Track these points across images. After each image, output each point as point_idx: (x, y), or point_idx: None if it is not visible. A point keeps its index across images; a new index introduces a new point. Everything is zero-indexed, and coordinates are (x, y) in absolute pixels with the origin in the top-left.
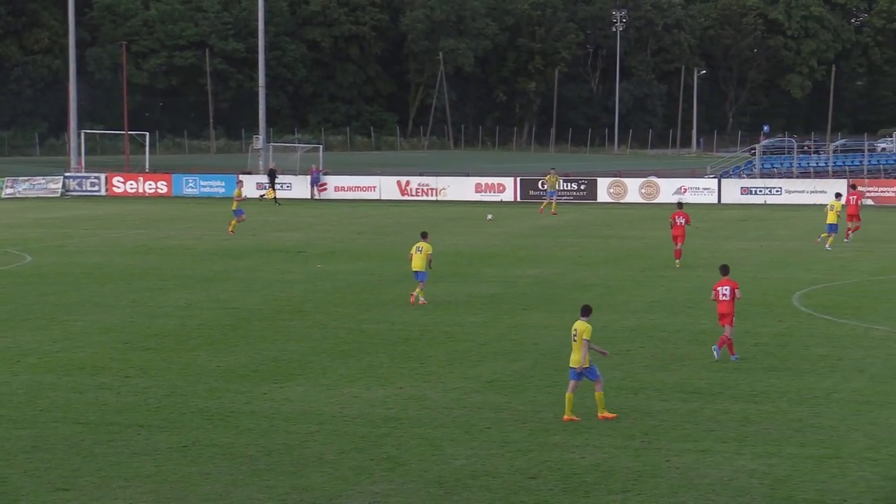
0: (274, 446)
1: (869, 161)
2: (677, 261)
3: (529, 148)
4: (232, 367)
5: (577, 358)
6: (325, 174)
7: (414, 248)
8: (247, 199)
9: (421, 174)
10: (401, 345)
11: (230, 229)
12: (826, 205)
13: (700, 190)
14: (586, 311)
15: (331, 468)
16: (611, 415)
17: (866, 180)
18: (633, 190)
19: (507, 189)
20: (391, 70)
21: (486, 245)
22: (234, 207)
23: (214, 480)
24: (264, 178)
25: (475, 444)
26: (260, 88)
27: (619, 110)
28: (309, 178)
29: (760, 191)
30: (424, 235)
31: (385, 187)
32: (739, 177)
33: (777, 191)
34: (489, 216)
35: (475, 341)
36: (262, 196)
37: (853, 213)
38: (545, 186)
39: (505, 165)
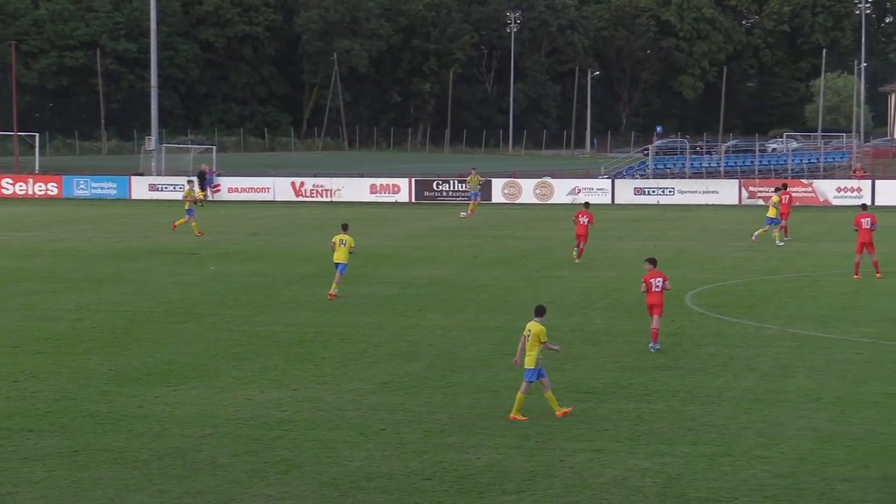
0: (166, 450)
1: (760, 162)
2: (577, 259)
3: (424, 149)
4: (124, 370)
5: (529, 358)
6: (219, 175)
7: (337, 240)
8: (198, 201)
9: (315, 175)
10: (295, 347)
11: (197, 232)
12: (770, 200)
13: (594, 190)
14: (540, 312)
15: (224, 471)
16: (522, 417)
17: (757, 180)
18: (527, 191)
19: (402, 190)
20: (285, 71)
21: (381, 246)
22: (185, 207)
23: (106, 485)
24: (159, 180)
25: (370, 446)
26: (152, 89)
27: (514, 111)
28: (202, 179)
29: (653, 191)
30: (345, 227)
31: (279, 188)
32: (633, 177)
33: (670, 191)
34: (462, 214)
35: (370, 343)
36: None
37: (785, 213)
38: (466, 187)
39: (400, 166)
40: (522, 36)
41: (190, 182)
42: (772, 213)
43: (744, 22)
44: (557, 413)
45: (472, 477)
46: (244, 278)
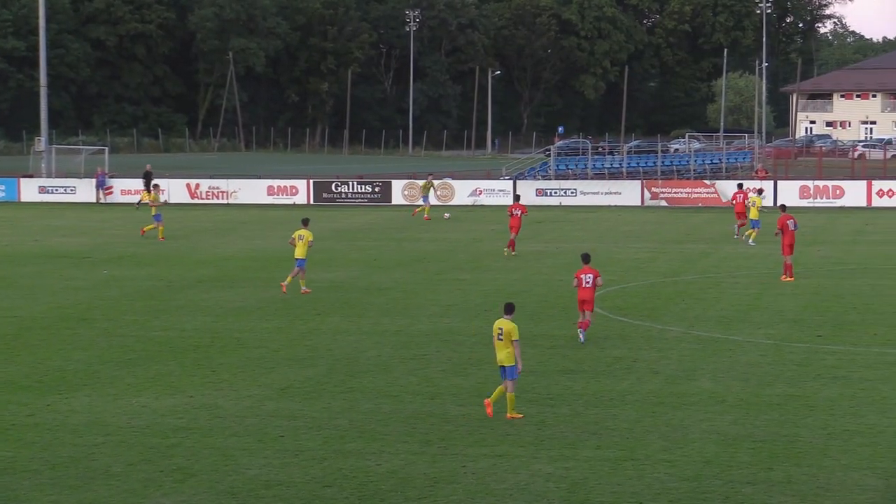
0: (58, 459)
1: (663, 162)
2: (509, 250)
3: (323, 150)
4: (13, 377)
5: (503, 356)
6: (111, 177)
7: (296, 235)
8: (165, 204)
9: (211, 177)
10: (191, 352)
11: (160, 236)
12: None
13: (495, 192)
14: (510, 310)
15: (118, 481)
16: (519, 415)
17: (660, 181)
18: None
19: (300, 191)
20: (179, 70)
21: (279, 249)
22: (153, 213)
23: None
24: (49, 182)
25: (268, 453)
26: (41, 88)
27: (414, 111)
28: (94, 181)
29: (555, 192)
30: (305, 223)
31: (174, 191)
32: (535, 178)
33: (572, 192)
34: (446, 215)
35: (268, 348)
36: (139, 202)
37: (740, 212)
38: (421, 192)
39: (298, 167)
40: (422, 35)
41: (155, 187)
42: (754, 214)
43: (645, 21)
44: (489, 408)
45: (373, 484)
46: (139, 282)
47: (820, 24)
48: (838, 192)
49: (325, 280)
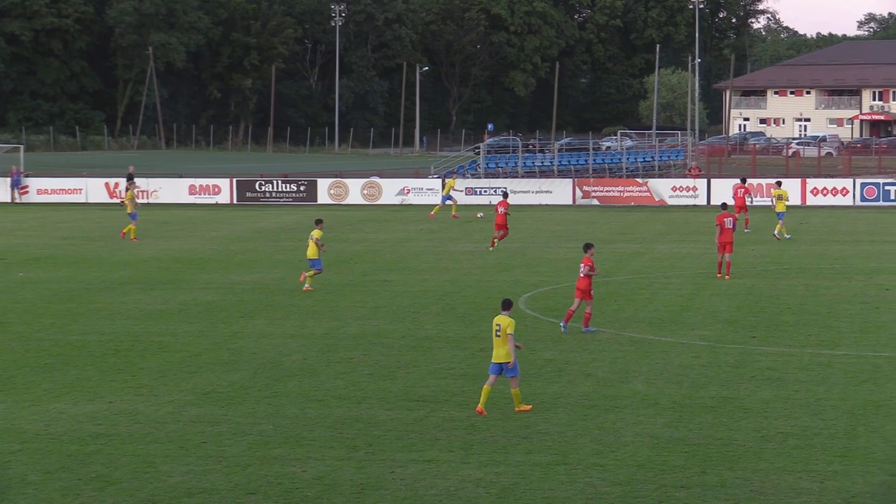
0: None
1: (594, 160)
2: (491, 248)
3: (246, 147)
4: None
5: (501, 353)
6: (27, 176)
7: (309, 236)
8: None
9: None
10: (110, 356)
11: (132, 236)
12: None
13: (424, 190)
14: (507, 305)
15: (35, 489)
16: (527, 406)
17: (591, 180)
18: (354, 191)
19: (223, 191)
20: (98, 66)
21: (201, 249)
22: (129, 211)
23: None
24: None
25: (190, 460)
26: None
27: (340, 108)
28: (9, 180)
29: (485, 191)
30: (318, 222)
31: (92, 190)
32: (464, 177)
33: (502, 191)
34: (479, 214)
35: (190, 351)
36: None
37: (741, 206)
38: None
39: (220, 166)
40: (348, 30)
41: (130, 185)
42: (780, 207)
43: (576, 16)
44: (517, 408)
45: (299, 491)
46: (55, 285)
47: (753, 20)
48: (772, 190)
49: (248, 282)
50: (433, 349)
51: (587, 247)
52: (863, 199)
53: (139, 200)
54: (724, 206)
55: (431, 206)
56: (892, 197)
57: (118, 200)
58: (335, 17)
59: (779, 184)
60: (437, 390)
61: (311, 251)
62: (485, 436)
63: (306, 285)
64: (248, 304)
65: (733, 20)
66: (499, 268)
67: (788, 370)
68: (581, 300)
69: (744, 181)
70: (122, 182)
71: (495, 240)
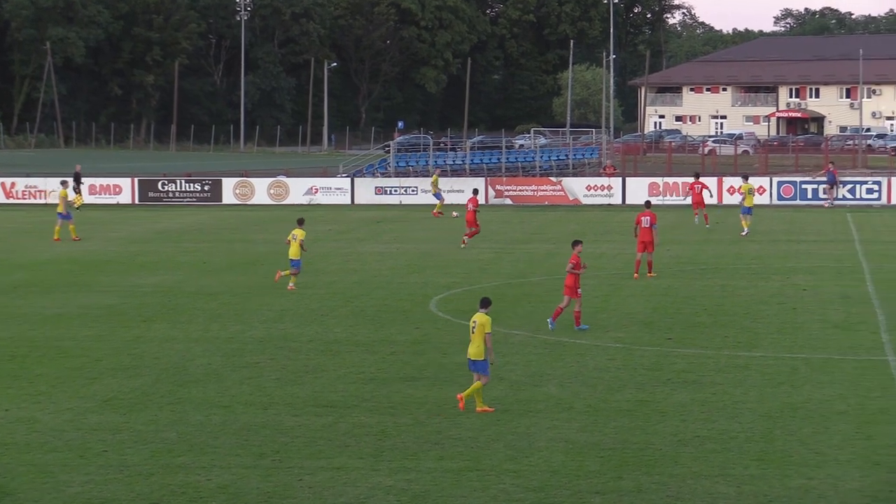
0: None
1: (507, 159)
2: (462, 245)
3: (148, 146)
4: None
5: (476, 350)
6: None
7: (290, 235)
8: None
9: (28, 175)
10: (6, 363)
11: (74, 236)
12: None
13: (332, 190)
14: (485, 304)
15: None
16: (489, 409)
17: (504, 178)
18: (260, 191)
19: (124, 190)
20: None
21: (101, 251)
22: (58, 210)
23: None
24: None
25: (91, 469)
26: None
27: (245, 105)
28: None
29: (395, 190)
30: (300, 222)
31: None
32: (374, 176)
33: (413, 190)
34: (454, 213)
35: (90, 357)
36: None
37: (699, 202)
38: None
39: (122, 165)
40: (254, 24)
41: (63, 183)
42: (749, 202)
43: (488, 11)
44: (461, 402)
45: (203, 500)
46: None
47: (669, 15)
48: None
49: (150, 284)
50: (342, 353)
51: (575, 243)
52: (780, 197)
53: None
54: (647, 204)
55: (340, 206)
56: (810, 196)
57: (79, 205)
58: (240, 11)
59: (745, 178)
60: (346, 395)
61: (294, 251)
62: (395, 442)
63: (290, 284)
64: (150, 308)
65: (648, 15)
66: (409, 269)
67: (705, 372)
68: (570, 298)
69: (697, 176)
70: (18, 182)
71: (465, 237)
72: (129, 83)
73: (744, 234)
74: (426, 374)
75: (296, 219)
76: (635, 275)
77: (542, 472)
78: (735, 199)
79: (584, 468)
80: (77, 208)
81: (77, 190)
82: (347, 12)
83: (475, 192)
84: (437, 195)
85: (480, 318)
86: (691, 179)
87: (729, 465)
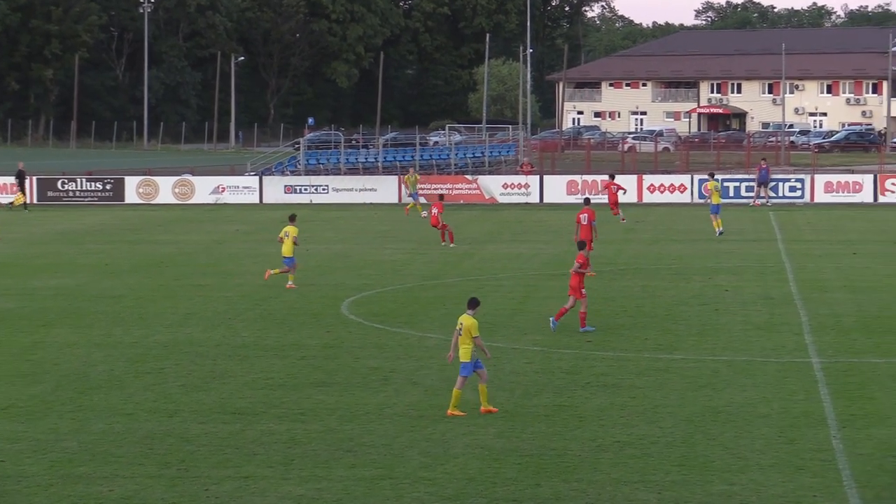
0: None
1: (421, 156)
2: (446, 243)
3: (47, 143)
4: None
5: (466, 352)
6: None
7: (283, 232)
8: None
9: None
10: None
11: None
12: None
13: (240, 189)
14: (473, 304)
15: None
16: (460, 413)
17: (418, 177)
18: (165, 189)
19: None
20: None
21: None
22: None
23: None
24: None
25: None
26: None
27: (149, 101)
28: None
29: (306, 189)
30: (292, 219)
31: None
32: (283, 174)
33: (324, 189)
34: (424, 214)
35: None
36: (10, 203)
37: (615, 202)
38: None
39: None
40: (157, 17)
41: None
42: (716, 199)
43: (402, 4)
44: (482, 409)
45: None
46: None
47: (587, 8)
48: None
49: (50, 287)
50: (250, 358)
51: (581, 245)
52: (701, 196)
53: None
54: (586, 201)
55: (248, 205)
56: (731, 193)
57: (20, 203)
58: (143, 3)
59: (711, 175)
60: (254, 402)
61: (287, 248)
62: (306, 450)
63: (289, 283)
64: (49, 312)
65: (566, 8)
66: (320, 270)
67: (625, 376)
68: (575, 299)
69: (612, 177)
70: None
71: (445, 235)
72: (26, 78)
73: (718, 233)
74: (337, 379)
75: (289, 215)
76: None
77: (457, 480)
78: (657, 198)
79: (500, 475)
80: (22, 207)
81: (21, 188)
82: (255, 4)
83: (441, 197)
84: (414, 195)
85: (466, 320)
86: (605, 177)
87: (649, 470)
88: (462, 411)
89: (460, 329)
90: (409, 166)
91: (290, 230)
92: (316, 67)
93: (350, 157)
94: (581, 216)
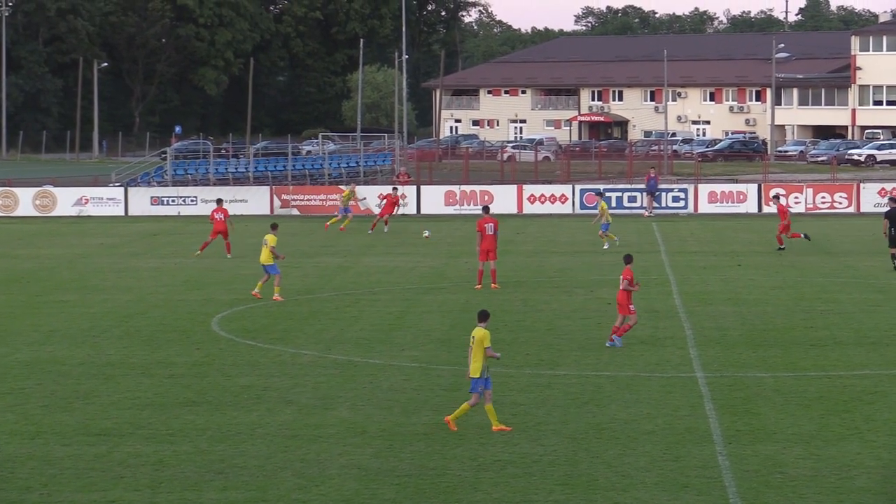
0: None
1: (294, 166)
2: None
3: None
4: None
5: (473, 367)
6: None
7: (262, 241)
8: None
9: None
10: None
11: None
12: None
13: (104, 200)
14: (483, 317)
15: None
16: (453, 427)
17: (291, 187)
18: (24, 201)
19: None
20: None
21: None
22: None
23: None
24: None
25: None
26: None
27: (7, 109)
28: None
29: (173, 200)
30: (273, 227)
31: None
32: (149, 185)
33: (192, 200)
34: (426, 233)
35: None
36: None
37: (389, 211)
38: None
39: None
40: (16, 21)
41: None
42: (606, 218)
43: (272, 8)
44: (494, 427)
45: None
46: None
47: (464, 13)
48: (486, 197)
49: None
50: (116, 377)
51: (627, 258)
52: (583, 206)
53: None
54: (485, 209)
55: (113, 218)
56: (613, 203)
57: None
58: (1, 6)
59: (601, 195)
60: (120, 422)
61: (265, 256)
62: (175, 472)
63: (276, 295)
64: None
65: (443, 13)
66: (188, 286)
67: (506, 392)
68: (624, 315)
69: (395, 189)
70: None
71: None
72: None
73: (606, 247)
74: (208, 397)
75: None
76: (478, 286)
77: (333, 501)
78: (537, 209)
79: (378, 496)
80: None
81: None
82: (119, 8)
83: (395, 188)
84: (346, 210)
85: (478, 332)
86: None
87: (532, 489)
88: (451, 425)
89: (472, 341)
90: (351, 180)
91: (269, 238)
92: (183, 74)
93: (219, 168)
94: (486, 225)
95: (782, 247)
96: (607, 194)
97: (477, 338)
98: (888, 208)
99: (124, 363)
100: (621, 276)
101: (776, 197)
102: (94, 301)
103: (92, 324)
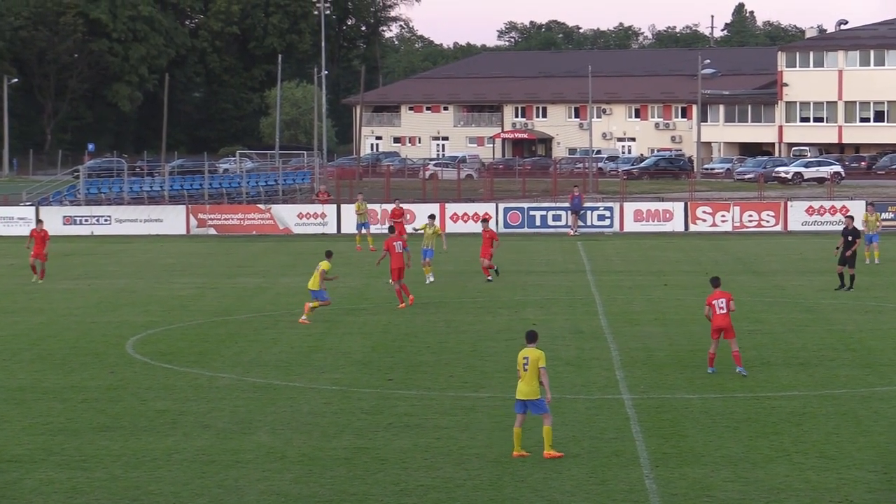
0: None
1: (210, 184)
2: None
3: None
4: None
5: (528, 389)
6: None
7: (316, 266)
8: None
9: None
10: None
11: None
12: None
13: (14, 220)
14: (533, 337)
15: None
16: (557, 453)
17: (207, 206)
18: None
19: None
20: None
21: None
22: None
23: None
24: None
25: None
26: None
27: None
28: None
29: (86, 220)
30: (328, 255)
31: None
32: (61, 203)
33: (106, 220)
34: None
35: None
36: None
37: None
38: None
39: None
40: None
41: None
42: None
43: (188, 23)
44: (546, 453)
45: None
46: None
47: (385, 28)
48: (409, 216)
49: None
50: (27, 402)
51: (716, 281)
52: (506, 225)
53: None
54: (391, 229)
55: (23, 238)
56: (538, 223)
57: None
58: None
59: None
60: (32, 448)
61: (314, 282)
62: (88, 499)
63: (303, 317)
64: None
65: (363, 28)
66: (102, 307)
67: (429, 416)
68: (721, 339)
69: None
70: None
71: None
72: None
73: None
74: (122, 422)
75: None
76: (401, 304)
77: None
78: (461, 227)
79: None
80: None
81: None
82: (29, 23)
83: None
84: (366, 224)
85: (532, 353)
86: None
87: None
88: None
89: (526, 363)
90: (358, 193)
91: (323, 265)
92: (96, 90)
93: (134, 186)
94: (394, 244)
95: (490, 279)
96: (532, 213)
97: (531, 359)
98: (843, 226)
99: (36, 387)
100: (723, 300)
101: (485, 220)
102: (5, 324)
103: (2, 347)
